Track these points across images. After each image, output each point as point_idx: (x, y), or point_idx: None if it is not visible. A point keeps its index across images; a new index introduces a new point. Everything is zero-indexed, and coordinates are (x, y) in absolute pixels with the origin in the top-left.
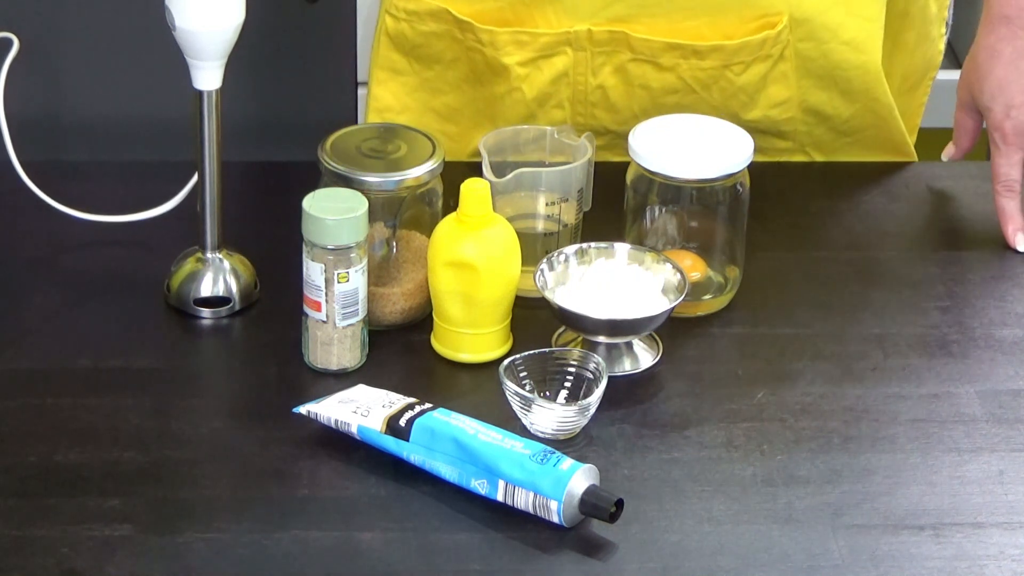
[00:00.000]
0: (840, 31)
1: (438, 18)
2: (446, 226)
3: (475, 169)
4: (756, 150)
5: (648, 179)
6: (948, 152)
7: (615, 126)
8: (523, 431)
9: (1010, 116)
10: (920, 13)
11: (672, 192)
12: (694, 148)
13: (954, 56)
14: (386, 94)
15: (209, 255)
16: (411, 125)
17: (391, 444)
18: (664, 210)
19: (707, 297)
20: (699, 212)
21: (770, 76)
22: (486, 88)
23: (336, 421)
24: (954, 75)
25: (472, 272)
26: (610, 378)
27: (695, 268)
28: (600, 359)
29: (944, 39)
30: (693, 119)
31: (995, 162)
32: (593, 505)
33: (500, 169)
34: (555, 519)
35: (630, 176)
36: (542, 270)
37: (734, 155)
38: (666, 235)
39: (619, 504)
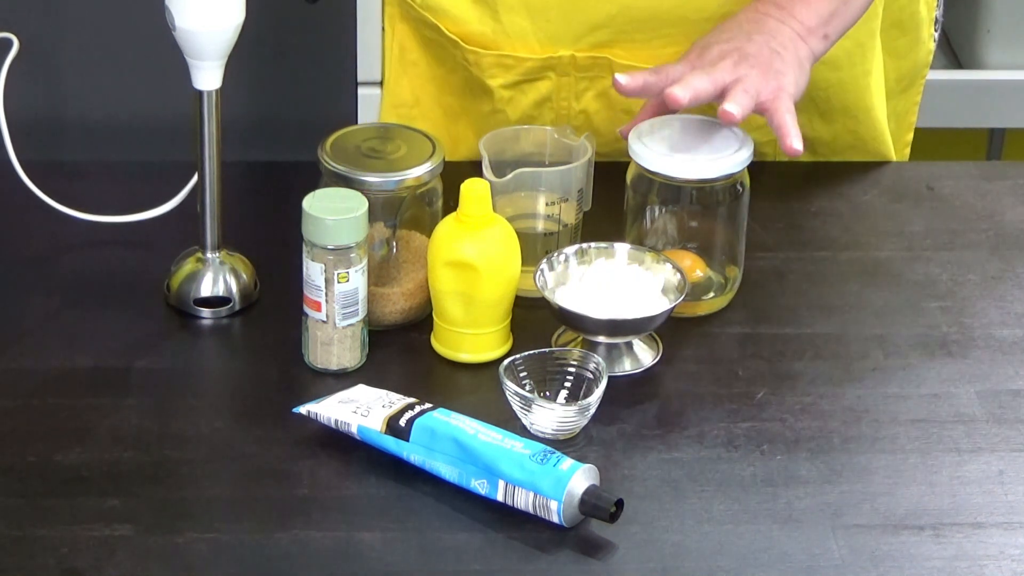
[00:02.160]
0: None
1: (435, 30)
2: (446, 226)
3: (475, 169)
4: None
5: (648, 179)
6: None
7: (598, 149)
8: (523, 431)
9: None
10: (911, 20)
11: (672, 192)
12: (694, 148)
13: (953, 56)
14: (402, 88)
15: (209, 255)
16: (423, 118)
17: (391, 444)
18: (664, 210)
19: (707, 297)
20: (699, 212)
21: None
22: (475, 104)
23: (336, 421)
24: (950, 75)
25: (472, 272)
26: (610, 378)
27: (695, 268)
28: (600, 359)
29: (934, 37)
30: (693, 119)
31: None
32: (593, 505)
33: (500, 169)
34: (555, 519)
35: (630, 176)
36: (542, 270)
37: (734, 155)
38: (666, 235)
39: (619, 504)
